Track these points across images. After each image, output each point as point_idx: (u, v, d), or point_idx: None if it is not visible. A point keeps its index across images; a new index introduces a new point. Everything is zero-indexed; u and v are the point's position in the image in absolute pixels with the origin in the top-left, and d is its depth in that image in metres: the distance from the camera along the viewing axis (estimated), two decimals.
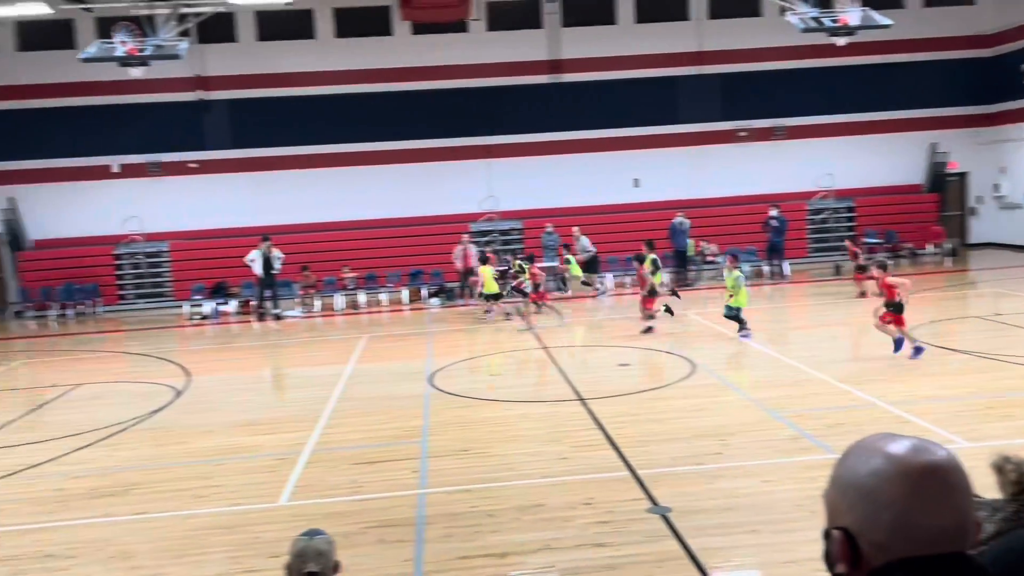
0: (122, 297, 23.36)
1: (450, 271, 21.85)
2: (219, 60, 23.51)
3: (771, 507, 6.80)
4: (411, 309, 20.68)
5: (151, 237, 23.52)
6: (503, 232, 23.95)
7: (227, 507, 7.49)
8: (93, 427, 10.52)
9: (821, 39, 20.23)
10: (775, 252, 22.06)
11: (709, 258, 22.64)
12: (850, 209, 24.83)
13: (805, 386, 10.74)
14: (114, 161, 23.53)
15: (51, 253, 23.21)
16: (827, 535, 1.37)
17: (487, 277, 17.56)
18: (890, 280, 11.82)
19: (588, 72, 24.50)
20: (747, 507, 6.81)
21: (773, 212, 21.76)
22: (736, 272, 14.00)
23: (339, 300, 21.24)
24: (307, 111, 23.79)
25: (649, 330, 14.76)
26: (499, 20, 24.31)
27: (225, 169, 23.84)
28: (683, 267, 21.78)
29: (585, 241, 21.45)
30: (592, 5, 24.73)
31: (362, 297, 21.43)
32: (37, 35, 23.09)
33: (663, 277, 16.82)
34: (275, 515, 7.23)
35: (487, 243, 23.23)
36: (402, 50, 23.99)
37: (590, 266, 20.87)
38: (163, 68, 20.08)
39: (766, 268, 22.32)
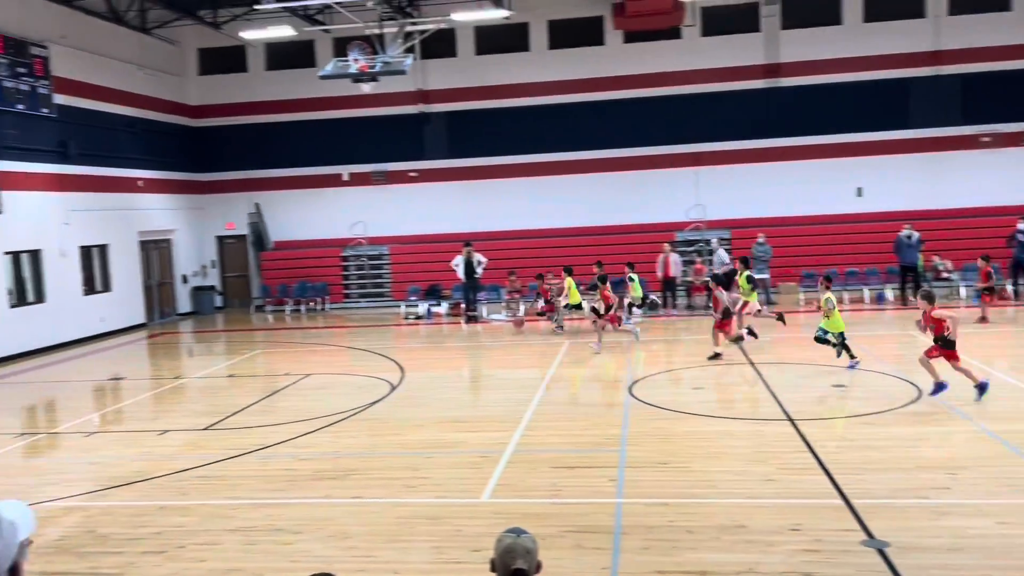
0: (347, 296, 25.25)
1: (653, 280, 21.60)
2: (439, 74, 24.81)
3: (1008, 551, 6.10)
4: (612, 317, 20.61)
5: (373, 241, 25.26)
6: (709, 242, 23.33)
7: (433, 499, 7.86)
8: (319, 414, 11.44)
9: None
10: (1021, 269, 19.84)
11: (943, 275, 20.78)
12: None
13: None
14: (344, 170, 25.51)
15: (288, 254, 25.57)
16: None
17: (571, 288, 17.56)
18: (936, 313, 10.65)
19: (808, 75, 23.34)
20: (978, 549, 6.16)
21: (1022, 225, 19.57)
22: (828, 294, 12.93)
23: (542, 305, 21.59)
24: (519, 122, 24.51)
25: (716, 356, 13.98)
26: (714, 25, 23.76)
27: (441, 178, 25.11)
28: (914, 283, 20.09)
29: (723, 255, 20.49)
30: (815, 5, 23.51)
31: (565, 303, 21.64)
32: (282, 56, 25.56)
33: (759, 297, 15.76)
34: (477, 510, 7.48)
35: (694, 252, 22.77)
36: (614, 59, 24.09)
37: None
38: (389, 83, 21.51)
39: (1010, 287, 20.10)
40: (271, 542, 6.97)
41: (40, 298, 19.20)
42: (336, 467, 9.02)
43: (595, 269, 17.71)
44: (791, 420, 9.97)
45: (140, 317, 22.96)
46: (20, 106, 18.56)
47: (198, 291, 25.63)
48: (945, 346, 10.61)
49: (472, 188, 24.90)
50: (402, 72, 18.92)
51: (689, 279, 21.51)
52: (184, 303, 25.34)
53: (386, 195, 25.36)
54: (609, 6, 23.30)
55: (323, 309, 24.63)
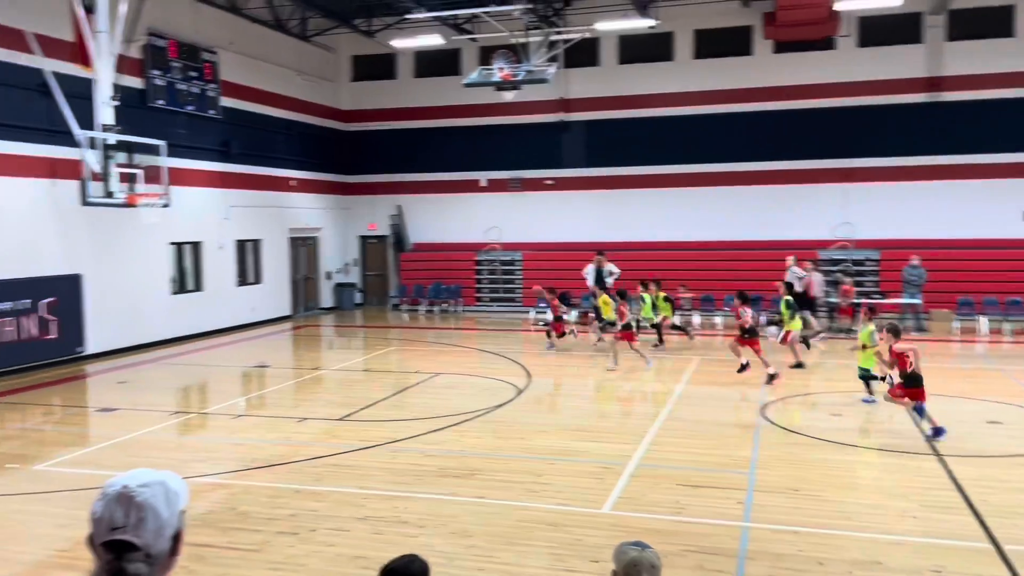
0: (479, 299, 25.71)
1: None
2: (580, 83, 24.89)
3: None
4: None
5: (507, 247, 25.61)
6: (856, 262, 22.24)
7: (554, 505, 7.86)
8: (446, 413, 11.70)
9: None
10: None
11: None
12: None
13: None
14: (482, 176, 26.02)
15: (425, 255, 26.32)
16: None
17: (605, 304, 17.22)
18: (898, 347, 9.98)
19: (974, 90, 21.86)
20: None
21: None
22: (870, 326, 11.98)
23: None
24: (660, 132, 24.23)
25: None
26: (872, 35, 22.66)
27: (577, 187, 25.16)
28: None
29: (798, 271, 19.44)
30: (984, 16, 21.98)
31: (696, 318, 21.23)
32: (430, 63, 26.36)
33: (799, 323, 15.10)
34: (597, 521, 7.43)
35: (840, 271, 21.75)
36: (762, 69, 23.42)
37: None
38: (530, 92, 21.76)
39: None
40: (396, 533, 7.18)
41: (198, 287, 20.62)
42: (461, 466, 9.19)
43: (639, 289, 17.28)
44: (938, 455, 9.35)
45: (286, 309, 24.24)
46: (190, 107, 20.03)
47: (340, 287, 26.79)
48: (911, 383, 9.98)
49: (608, 197, 24.81)
50: (544, 81, 19.11)
51: (833, 300, 20.54)
52: (327, 298, 26.55)
53: (522, 202, 25.67)
54: (759, 15, 22.69)
55: (456, 311, 25.18)
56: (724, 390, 13.86)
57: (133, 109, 16.99)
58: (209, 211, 20.79)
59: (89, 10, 14.64)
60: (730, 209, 23.63)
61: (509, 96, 19.77)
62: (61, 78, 15.25)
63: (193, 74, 20.13)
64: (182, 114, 19.78)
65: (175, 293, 19.79)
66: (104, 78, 14.04)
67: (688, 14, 23.37)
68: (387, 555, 6.67)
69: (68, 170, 15.83)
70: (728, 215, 23.62)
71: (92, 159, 13.56)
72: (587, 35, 21.28)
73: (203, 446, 10.68)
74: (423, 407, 12.32)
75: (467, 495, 8.19)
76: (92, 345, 16.96)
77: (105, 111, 14.01)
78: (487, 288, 25.79)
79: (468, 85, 19.64)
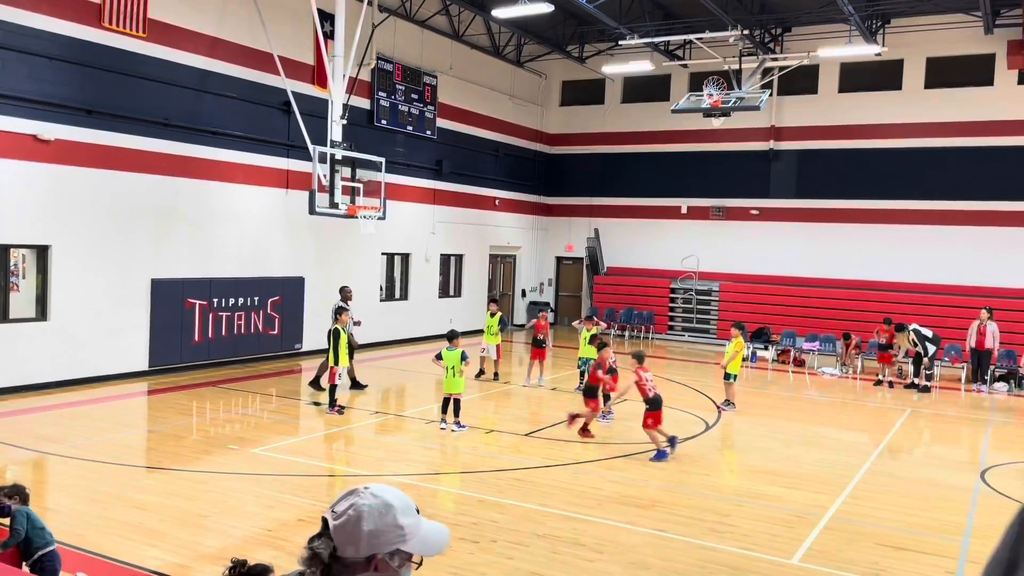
0: (671, 328, 25.26)
1: None
2: (794, 111, 23.91)
3: None
4: (969, 390, 18.25)
5: (704, 276, 25.00)
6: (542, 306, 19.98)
7: (738, 549, 7.53)
8: (630, 440, 11.54)
9: None
10: None
11: None
12: None
13: None
14: (683, 203, 25.61)
15: (619, 279, 26.25)
16: None
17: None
18: None
19: None
20: None
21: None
22: (456, 351, 12.33)
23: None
24: (881, 164, 22.78)
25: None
26: None
27: (784, 218, 24.13)
28: None
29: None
30: None
31: (911, 367, 19.56)
32: (637, 89, 26.39)
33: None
34: (784, 571, 7.03)
35: None
36: (1004, 102, 21.38)
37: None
38: (739, 119, 21.19)
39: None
40: (573, 555, 7.17)
41: (404, 296, 21.81)
42: (642, 495, 9.04)
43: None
44: None
45: (481, 323, 24.98)
46: (409, 127, 21.31)
47: (533, 305, 27.29)
48: None
49: (816, 231, 23.59)
50: (756, 108, 18.56)
51: None
52: (520, 315, 27.15)
53: (723, 231, 24.99)
54: (1004, 43, 20.76)
55: (646, 337, 24.88)
56: (939, 447, 12.72)
57: (359, 128, 18.34)
58: (418, 225, 21.96)
59: (329, 36, 16.01)
60: (957, 250, 21.67)
61: (717, 123, 19.38)
62: (299, 97, 16.74)
63: (414, 96, 21.41)
64: (401, 133, 21.08)
65: (383, 300, 21.04)
66: (337, 98, 15.23)
67: (921, 41, 21.82)
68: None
69: (299, 181, 17.35)
70: (954, 256, 21.68)
71: (321, 172, 14.72)
72: (805, 62, 20.42)
73: (397, 447, 11.23)
74: (607, 432, 12.25)
75: (647, 526, 8.03)
76: (307, 343, 18.37)
77: (335, 129, 15.19)
78: (680, 317, 25.29)
79: (676, 111, 19.46)
